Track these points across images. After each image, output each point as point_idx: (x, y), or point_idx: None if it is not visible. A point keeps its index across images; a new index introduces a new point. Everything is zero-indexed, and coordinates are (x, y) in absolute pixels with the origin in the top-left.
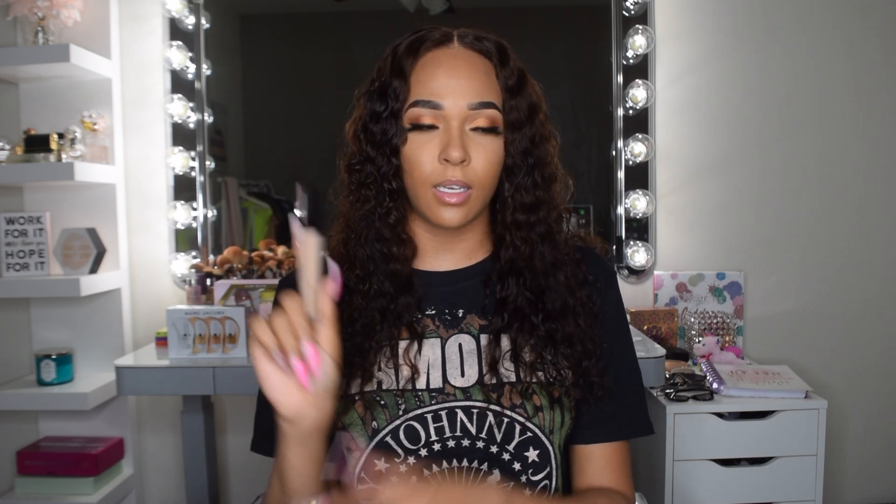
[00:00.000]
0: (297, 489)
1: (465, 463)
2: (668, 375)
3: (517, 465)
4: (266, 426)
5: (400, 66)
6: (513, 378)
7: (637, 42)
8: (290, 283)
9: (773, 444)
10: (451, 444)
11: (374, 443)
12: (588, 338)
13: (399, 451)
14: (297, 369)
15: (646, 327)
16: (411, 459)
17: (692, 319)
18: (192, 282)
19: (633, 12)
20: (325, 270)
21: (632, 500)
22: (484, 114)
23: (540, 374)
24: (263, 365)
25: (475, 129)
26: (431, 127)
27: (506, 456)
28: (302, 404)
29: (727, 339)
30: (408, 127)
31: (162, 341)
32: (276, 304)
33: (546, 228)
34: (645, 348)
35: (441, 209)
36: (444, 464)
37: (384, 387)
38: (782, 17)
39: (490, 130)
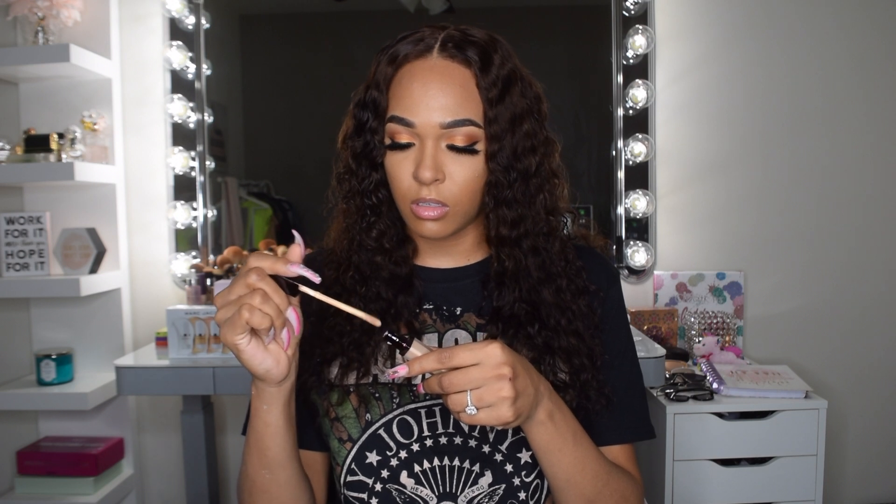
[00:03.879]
0: (278, 453)
1: (456, 462)
2: (668, 375)
3: (509, 467)
4: None
5: (380, 77)
6: None
7: (637, 42)
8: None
9: (773, 444)
10: (443, 440)
11: (366, 434)
12: (586, 352)
13: (391, 444)
14: (285, 337)
15: (646, 327)
16: (403, 453)
17: (692, 319)
18: (192, 282)
19: (633, 12)
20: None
21: (641, 486)
22: (459, 132)
23: None
24: (247, 343)
25: (451, 147)
26: (408, 145)
27: (498, 456)
28: (287, 364)
29: (727, 339)
30: (387, 143)
31: (162, 341)
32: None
33: (532, 243)
34: (645, 348)
35: (420, 223)
36: (436, 461)
37: (380, 380)
38: (783, 17)
39: (466, 149)
